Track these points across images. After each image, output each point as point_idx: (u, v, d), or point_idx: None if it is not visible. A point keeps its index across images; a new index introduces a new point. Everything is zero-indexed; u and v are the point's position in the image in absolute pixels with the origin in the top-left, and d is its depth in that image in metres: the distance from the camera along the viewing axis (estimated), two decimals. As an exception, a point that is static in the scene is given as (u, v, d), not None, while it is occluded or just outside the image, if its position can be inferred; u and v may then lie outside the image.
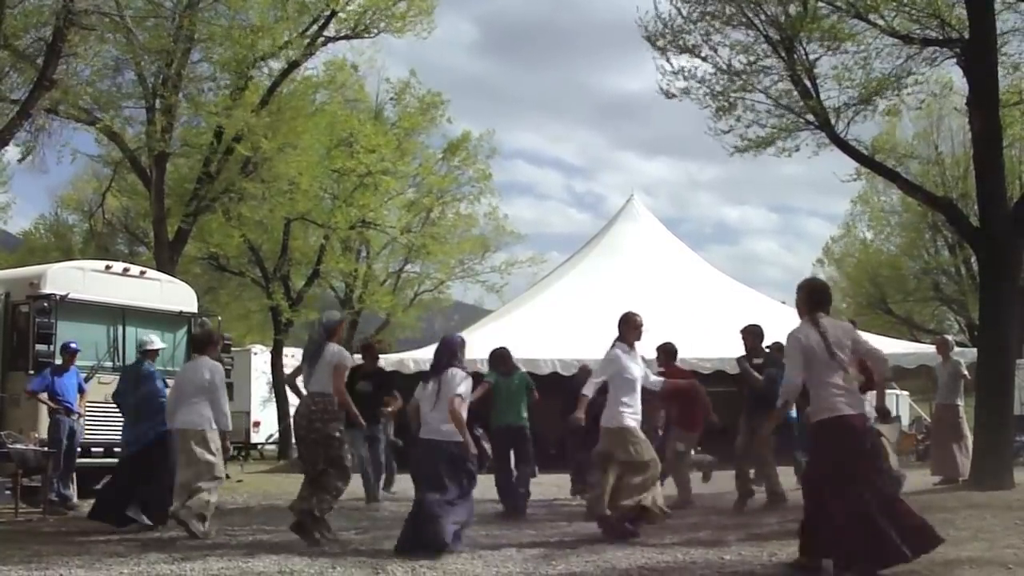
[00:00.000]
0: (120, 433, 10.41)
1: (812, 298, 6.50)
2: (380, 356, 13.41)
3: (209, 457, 8.85)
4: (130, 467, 9.55)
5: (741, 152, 13.67)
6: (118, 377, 10.68)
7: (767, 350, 10.70)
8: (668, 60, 13.50)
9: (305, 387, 8.54)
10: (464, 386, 7.81)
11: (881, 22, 12.52)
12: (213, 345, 9.50)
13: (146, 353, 10.09)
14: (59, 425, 11.24)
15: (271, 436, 25.73)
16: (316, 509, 8.21)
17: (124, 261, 17.24)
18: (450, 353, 8.04)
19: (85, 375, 11.90)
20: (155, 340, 10.32)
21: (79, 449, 11.58)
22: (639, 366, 8.42)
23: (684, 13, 13.22)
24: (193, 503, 8.60)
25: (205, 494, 8.69)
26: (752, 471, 10.67)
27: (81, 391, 11.71)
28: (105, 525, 9.32)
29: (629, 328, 8.47)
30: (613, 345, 8.46)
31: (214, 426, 8.96)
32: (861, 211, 34.30)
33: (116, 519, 9.30)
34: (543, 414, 11.71)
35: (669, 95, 13.71)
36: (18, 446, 10.81)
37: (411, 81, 28.89)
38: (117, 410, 10.30)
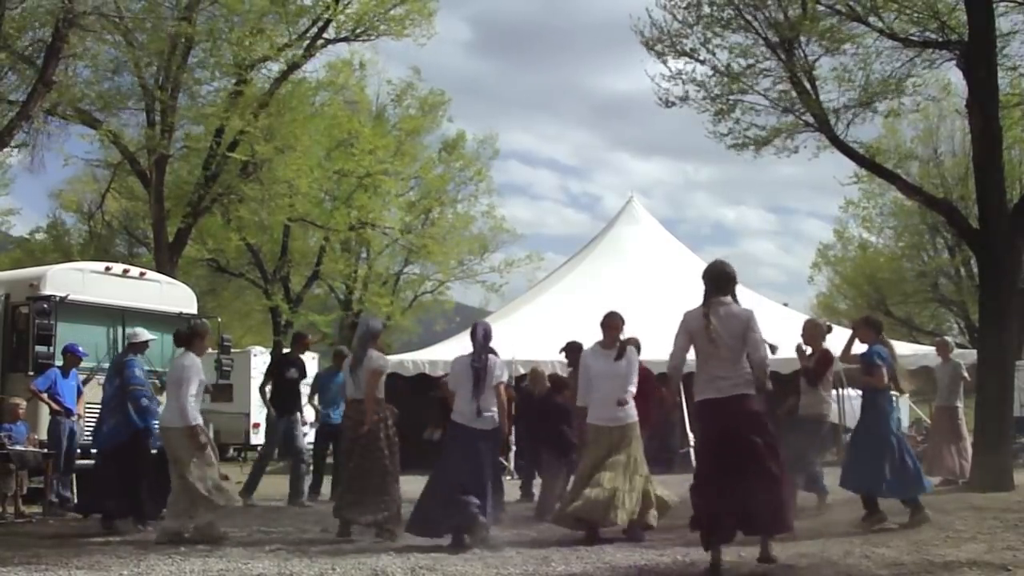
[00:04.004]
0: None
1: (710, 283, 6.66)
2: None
3: (174, 456, 8.63)
4: (109, 463, 9.52)
5: (741, 149, 13.68)
6: None
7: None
8: (666, 64, 13.52)
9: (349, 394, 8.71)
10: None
11: (880, 24, 12.54)
12: (199, 338, 9.12)
13: (133, 346, 9.96)
14: (59, 427, 11.24)
15: (271, 437, 25.69)
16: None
17: (124, 263, 17.21)
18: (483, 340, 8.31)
19: (84, 377, 11.88)
20: (142, 332, 10.19)
21: (78, 451, 11.57)
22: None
23: (680, 18, 13.24)
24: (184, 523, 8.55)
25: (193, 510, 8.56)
26: None
27: (79, 393, 11.70)
28: (101, 525, 9.31)
29: (607, 329, 8.62)
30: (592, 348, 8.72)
31: (192, 421, 8.59)
32: (852, 215, 34.30)
33: (103, 511, 9.29)
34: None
35: (668, 103, 13.68)
36: (18, 447, 10.81)
37: (413, 82, 28.95)
38: None
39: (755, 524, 6.43)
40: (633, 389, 8.37)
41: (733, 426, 6.34)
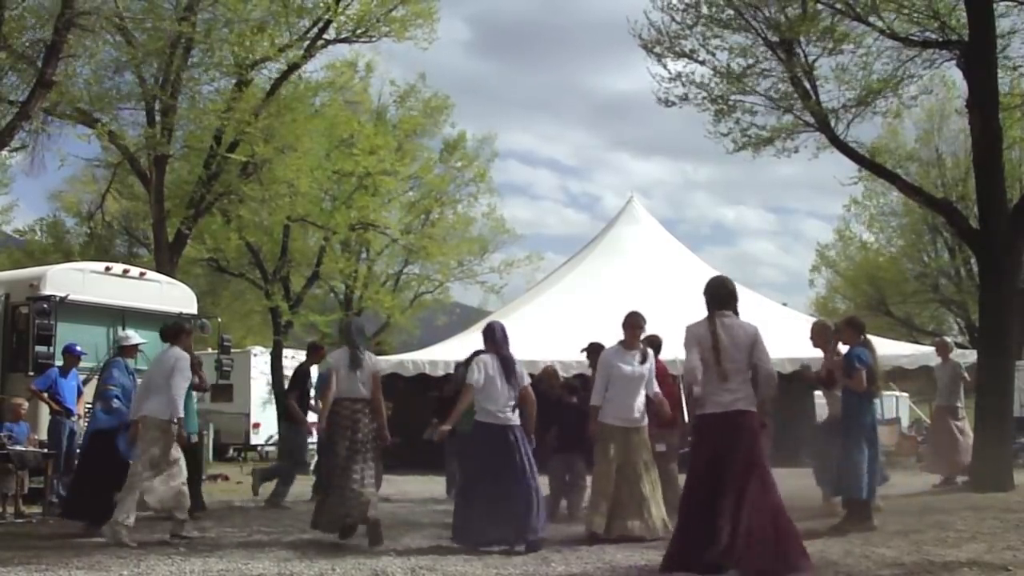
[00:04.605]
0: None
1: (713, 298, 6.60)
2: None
3: (162, 449, 8.54)
4: (102, 465, 9.40)
5: (740, 150, 13.68)
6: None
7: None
8: (665, 67, 13.50)
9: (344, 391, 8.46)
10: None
11: (880, 24, 12.54)
12: (186, 334, 9.20)
13: (123, 349, 9.93)
14: (59, 427, 11.24)
15: (271, 437, 25.72)
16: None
17: (124, 263, 17.21)
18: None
19: (84, 377, 11.89)
20: (132, 336, 10.16)
21: (78, 451, 11.58)
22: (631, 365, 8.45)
23: (679, 19, 13.22)
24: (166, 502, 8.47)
25: (174, 486, 8.50)
26: None
27: (79, 393, 11.69)
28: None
29: (629, 328, 8.57)
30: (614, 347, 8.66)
31: (180, 413, 8.59)
32: (854, 214, 34.28)
33: (90, 516, 9.25)
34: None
35: (668, 103, 13.66)
36: (18, 447, 10.82)
37: (417, 85, 28.96)
38: None
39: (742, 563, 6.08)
40: (657, 389, 8.46)
41: (729, 444, 6.20)
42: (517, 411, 8.09)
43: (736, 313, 6.55)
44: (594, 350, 10.17)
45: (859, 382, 8.54)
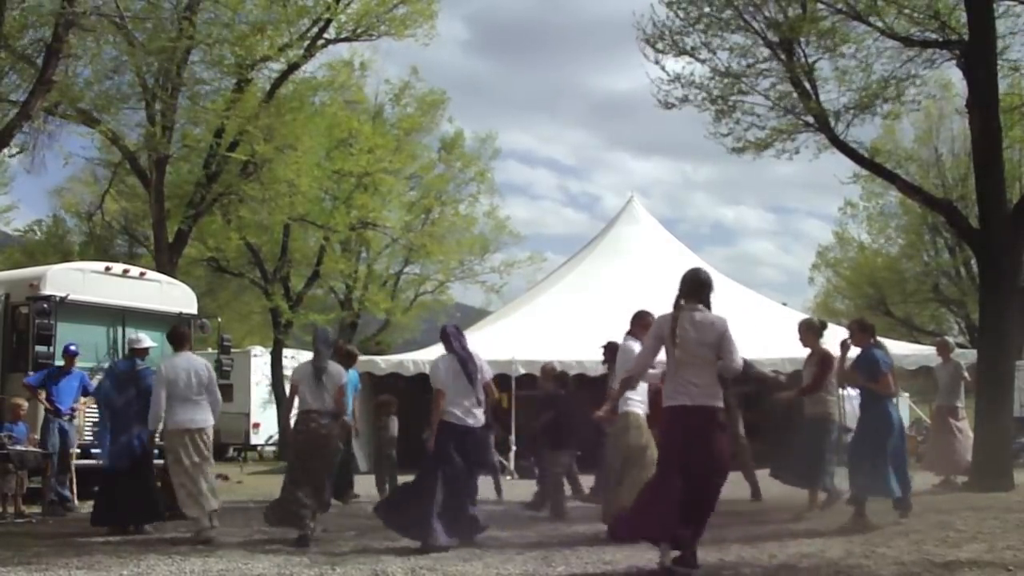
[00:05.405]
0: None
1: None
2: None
3: (209, 454, 8.94)
4: (129, 471, 9.37)
5: (740, 153, 13.67)
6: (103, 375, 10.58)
7: None
8: (663, 68, 13.46)
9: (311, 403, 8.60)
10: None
11: (881, 24, 12.54)
12: (189, 341, 9.54)
13: (135, 352, 9.94)
14: (48, 425, 11.21)
15: (271, 437, 25.74)
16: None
17: (124, 263, 17.20)
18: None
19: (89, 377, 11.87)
20: (144, 338, 10.16)
21: (79, 450, 11.56)
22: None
23: (683, 16, 13.20)
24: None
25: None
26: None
27: (86, 392, 11.65)
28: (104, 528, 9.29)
29: (637, 325, 8.69)
30: (625, 338, 8.79)
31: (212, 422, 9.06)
32: (851, 216, 34.28)
33: (120, 521, 9.26)
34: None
35: (668, 105, 13.62)
36: (18, 447, 10.81)
37: (411, 81, 28.95)
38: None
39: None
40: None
41: (698, 435, 6.27)
42: (480, 412, 8.20)
43: (708, 304, 6.51)
44: (611, 349, 10.22)
45: (886, 385, 8.55)
